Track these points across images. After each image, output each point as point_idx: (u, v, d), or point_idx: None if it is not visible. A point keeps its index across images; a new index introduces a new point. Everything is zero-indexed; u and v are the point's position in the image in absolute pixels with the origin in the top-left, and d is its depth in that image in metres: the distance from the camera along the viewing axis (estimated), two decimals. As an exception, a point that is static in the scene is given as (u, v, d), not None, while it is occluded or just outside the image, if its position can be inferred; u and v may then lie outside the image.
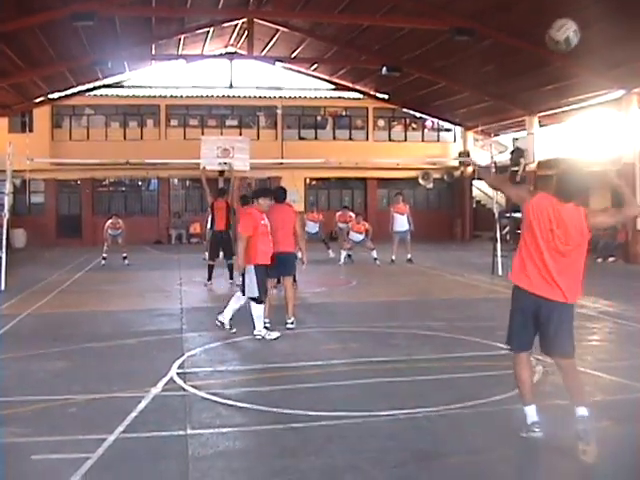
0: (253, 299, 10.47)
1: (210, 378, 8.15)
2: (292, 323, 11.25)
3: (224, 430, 6.27)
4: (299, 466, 5.47)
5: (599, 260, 23.16)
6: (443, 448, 5.88)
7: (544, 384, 7.69)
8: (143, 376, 8.13)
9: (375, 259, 21.65)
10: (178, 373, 8.25)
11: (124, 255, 22.93)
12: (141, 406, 6.93)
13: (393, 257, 22.04)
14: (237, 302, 10.84)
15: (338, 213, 25.75)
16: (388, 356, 9.10)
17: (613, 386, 7.80)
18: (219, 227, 16.86)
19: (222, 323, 10.86)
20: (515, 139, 21.90)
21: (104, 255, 22.68)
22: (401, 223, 22.36)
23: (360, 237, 22.31)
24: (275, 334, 10.42)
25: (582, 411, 5.81)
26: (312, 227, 24.10)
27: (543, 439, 5.93)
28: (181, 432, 6.21)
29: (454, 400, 6.95)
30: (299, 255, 11.89)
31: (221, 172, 31.64)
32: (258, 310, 10.47)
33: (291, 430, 6.24)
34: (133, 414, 6.66)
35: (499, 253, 18.91)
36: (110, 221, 23.60)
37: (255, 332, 10.43)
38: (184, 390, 7.57)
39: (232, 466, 5.49)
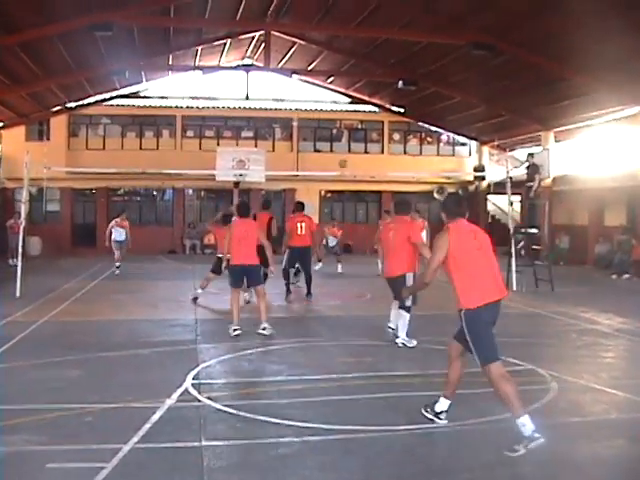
0: (404, 307, 10.79)
1: (225, 390, 8.17)
2: (264, 329, 11.52)
3: (239, 442, 6.28)
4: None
5: (614, 277, 23.07)
6: (458, 464, 5.88)
7: (559, 401, 7.68)
8: (158, 386, 8.15)
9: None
10: (193, 384, 8.26)
11: (118, 265, 23.09)
12: (156, 417, 6.94)
13: None
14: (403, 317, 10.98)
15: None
16: (404, 370, 9.10)
17: (628, 404, 7.76)
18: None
19: (404, 344, 10.83)
20: (530, 154, 21.75)
21: (117, 264, 22.88)
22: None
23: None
24: (414, 342, 10.73)
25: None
26: (331, 241, 24.38)
27: (557, 457, 5.92)
28: (196, 443, 6.22)
29: (469, 416, 6.95)
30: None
31: (236, 183, 31.83)
32: (406, 319, 10.81)
33: (307, 443, 6.25)
34: (148, 424, 6.68)
35: (514, 268, 18.85)
36: (116, 220, 23.73)
37: (398, 341, 10.77)
38: (199, 401, 7.58)
39: (247, 479, 5.49)
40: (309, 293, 16.21)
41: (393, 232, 11.05)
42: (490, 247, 6.78)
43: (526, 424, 6.08)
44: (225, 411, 7.19)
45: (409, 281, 10.60)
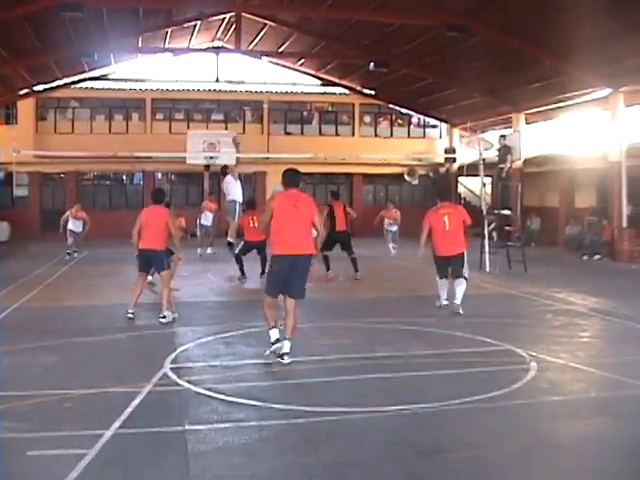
0: (464, 277, 12.55)
1: (204, 373, 8.09)
2: (164, 317, 11.46)
3: (222, 426, 6.21)
4: (301, 462, 5.42)
5: (585, 258, 23.24)
6: (445, 443, 5.87)
7: (539, 380, 7.70)
8: (136, 371, 8.08)
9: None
10: (171, 368, 8.18)
11: (74, 250, 22.92)
12: (136, 401, 6.85)
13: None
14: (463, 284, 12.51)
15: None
16: (382, 352, 9.08)
17: (607, 382, 7.81)
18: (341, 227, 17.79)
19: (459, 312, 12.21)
20: (502, 136, 21.85)
21: (68, 251, 22.73)
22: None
23: None
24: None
25: (287, 345, 8.58)
26: None
27: (542, 437, 5.95)
28: (179, 428, 6.15)
29: (452, 396, 6.93)
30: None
31: (206, 166, 31.63)
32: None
33: (291, 426, 6.21)
34: (129, 409, 6.60)
35: (487, 249, 18.94)
36: (70, 210, 23.20)
37: (458, 306, 12.24)
38: (179, 385, 7.50)
39: (233, 462, 5.43)
40: (263, 272, 16.37)
41: (447, 216, 12.60)
42: (309, 214, 8.83)
43: (272, 334, 8.71)
44: (206, 394, 7.13)
45: (466, 258, 12.78)
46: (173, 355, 8.87)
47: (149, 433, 6.04)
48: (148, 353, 9.19)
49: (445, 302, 12.71)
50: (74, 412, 6.66)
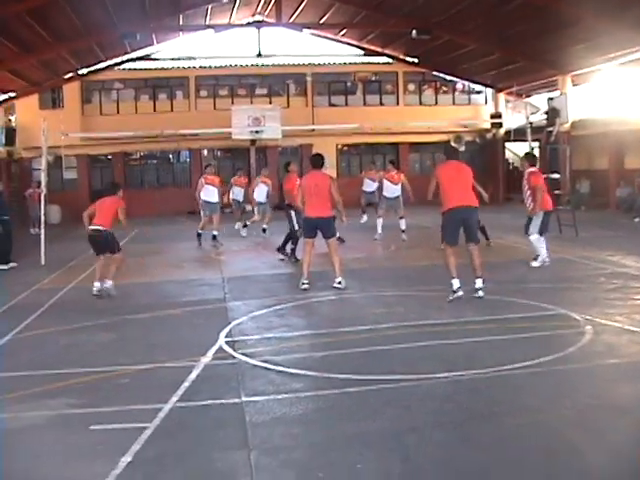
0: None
1: (259, 345, 8.14)
2: (339, 283, 11.50)
3: (279, 397, 6.26)
4: (358, 430, 5.45)
5: (637, 220, 22.80)
6: (500, 408, 5.84)
7: (595, 344, 7.61)
8: (191, 346, 8.15)
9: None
10: (226, 341, 8.26)
11: (263, 227, 20.09)
12: (192, 375, 6.94)
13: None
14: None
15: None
16: (436, 319, 9.04)
17: (666, 345, 7.68)
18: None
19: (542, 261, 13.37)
20: (550, 99, 21.50)
21: (199, 231, 19.35)
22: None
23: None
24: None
25: (479, 282, 10.43)
26: (370, 185, 22.08)
27: (600, 400, 5.90)
28: (236, 400, 6.21)
29: (505, 362, 6.89)
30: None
31: (252, 141, 31.70)
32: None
33: (347, 394, 6.22)
34: (186, 383, 6.69)
35: (537, 214, 18.67)
36: (202, 177, 19.79)
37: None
38: (234, 358, 7.57)
39: (292, 432, 5.48)
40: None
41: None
42: (469, 175, 10.76)
43: (455, 284, 10.26)
44: (261, 367, 7.19)
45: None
46: (227, 329, 8.93)
47: (207, 406, 6.12)
48: (202, 328, 9.26)
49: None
50: (132, 387, 6.77)
